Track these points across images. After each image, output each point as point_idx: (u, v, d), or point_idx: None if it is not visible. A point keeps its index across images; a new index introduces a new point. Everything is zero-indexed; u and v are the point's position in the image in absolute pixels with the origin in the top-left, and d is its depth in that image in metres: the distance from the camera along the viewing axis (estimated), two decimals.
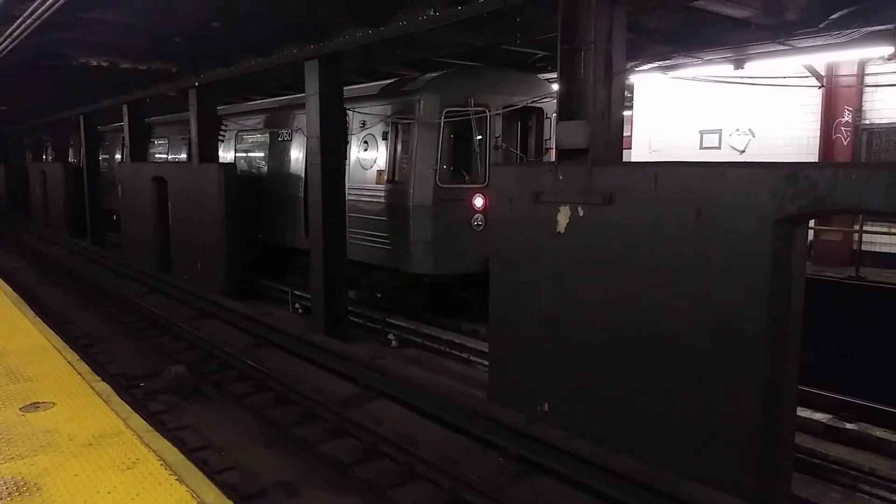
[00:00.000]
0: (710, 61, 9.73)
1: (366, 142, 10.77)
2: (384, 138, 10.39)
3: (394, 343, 9.96)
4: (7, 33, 9.01)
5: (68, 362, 5.70)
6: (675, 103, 13.54)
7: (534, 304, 6.50)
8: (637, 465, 5.44)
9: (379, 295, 10.91)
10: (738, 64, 9.69)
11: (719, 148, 12.95)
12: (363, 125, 10.79)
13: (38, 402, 4.69)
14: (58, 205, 23.17)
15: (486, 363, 7.77)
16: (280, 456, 6.47)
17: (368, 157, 10.71)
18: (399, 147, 10.17)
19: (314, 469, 6.18)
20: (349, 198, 10.40)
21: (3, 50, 9.65)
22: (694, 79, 10.41)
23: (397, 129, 10.18)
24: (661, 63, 9.83)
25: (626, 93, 8.11)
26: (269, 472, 6.08)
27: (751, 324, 4.88)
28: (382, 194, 10.37)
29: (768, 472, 4.95)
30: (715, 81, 10.30)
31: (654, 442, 5.52)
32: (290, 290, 12.38)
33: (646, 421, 5.60)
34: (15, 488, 3.48)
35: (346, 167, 10.48)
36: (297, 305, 12.15)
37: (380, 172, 10.46)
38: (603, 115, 6.15)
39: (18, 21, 8.33)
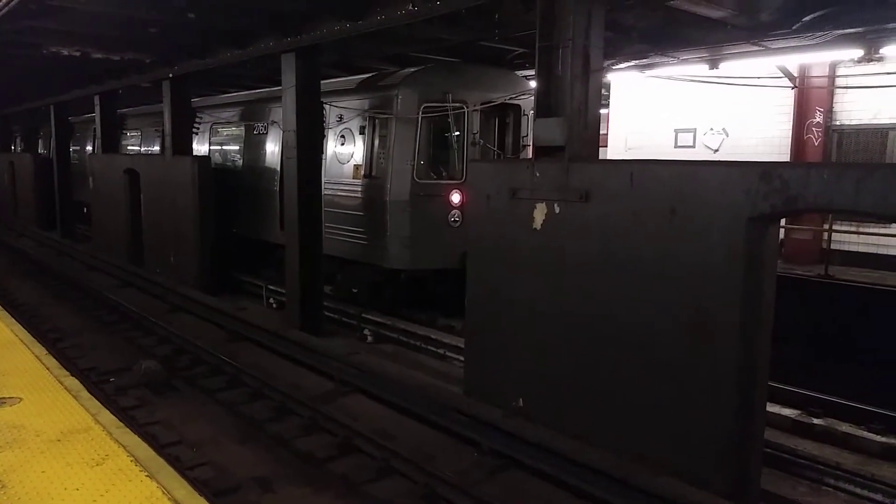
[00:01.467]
0: (685, 61, 9.84)
1: (343, 136, 10.70)
2: (361, 133, 10.33)
3: (370, 339, 9.92)
4: None
5: (36, 357, 5.58)
6: (651, 102, 13.66)
7: (510, 299, 6.52)
8: (613, 460, 5.50)
9: (355, 290, 10.86)
10: (714, 64, 9.82)
11: (694, 147, 13.09)
12: (340, 119, 10.72)
13: (3, 398, 4.59)
14: (27, 196, 22.70)
15: (462, 359, 7.79)
16: (254, 452, 6.41)
17: (345, 151, 10.64)
18: (376, 142, 10.12)
19: (289, 465, 6.14)
20: (326, 192, 10.33)
21: None
22: (669, 78, 10.51)
23: (375, 124, 10.13)
24: (638, 62, 9.92)
25: (602, 91, 8.15)
26: (243, 468, 6.02)
27: (724, 319, 4.96)
28: (359, 189, 10.32)
29: (739, 467, 5.03)
30: (690, 81, 10.42)
31: (630, 437, 5.59)
32: (264, 284, 12.27)
33: (621, 416, 5.66)
34: None
35: (323, 161, 10.40)
36: (271, 300, 12.05)
37: (357, 167, 10.41)
38: (580, 112, 6.18)
39: None
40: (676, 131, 13.37)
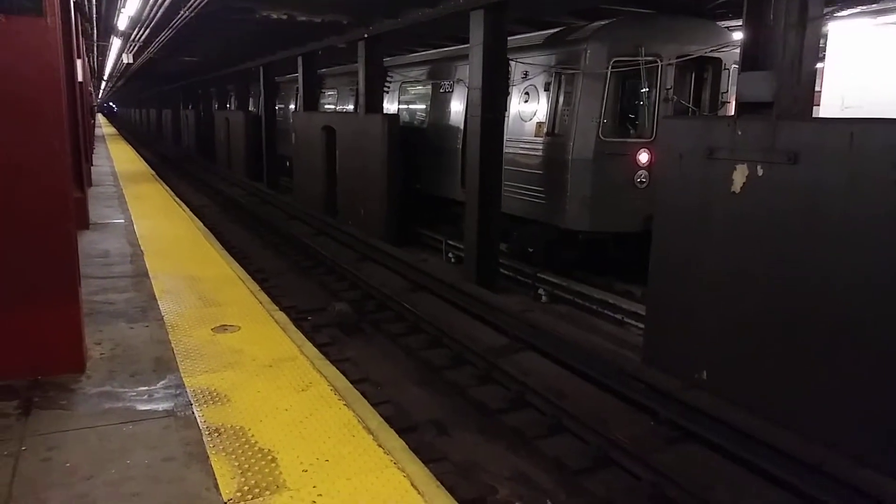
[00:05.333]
0: None
1: (527, 93, 10.62)
2: (546, 89, 10.18)
3: (544, 298, 9.94)
4: None
5: (251, 292, 6.28)
6: (877, 54, 11.96)
7: (700, 267, 6.17)
8: (802, 443, 5.08)
9: (531, 249, 10.89)
10: None
11: None
12: (525, 76, 10.63)
13: (226, 325, 5.23)
14: (239, 150, 25.29)
15: (641, 325, 7.55)
16: (431, 396, 6.76)
17: (528, 109, 10.57)
18: (561, 99, 9.92)
19: (463, 412, 6.39)
20: (507, 150, 10.34)
21: (200, 4, 10.53)
22: None
23: (560, 80, 9.93)
24: (865, 7, 8.71)
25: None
26: (421, 410, 6.37)
27: None
28: (541, 147, 10.23)
29: None
30: None
31: (826, 421, 5.12)
32: (444, 239, 12.71)
33: (818, 398, 5.19)
34: (210, 397, 3.93)
35: (506, 119, 10.42)
36: (450, 254, 12.46)
37: (539, 125, 10.31)
38: (793, 65, 5.60)
39: None
40: None
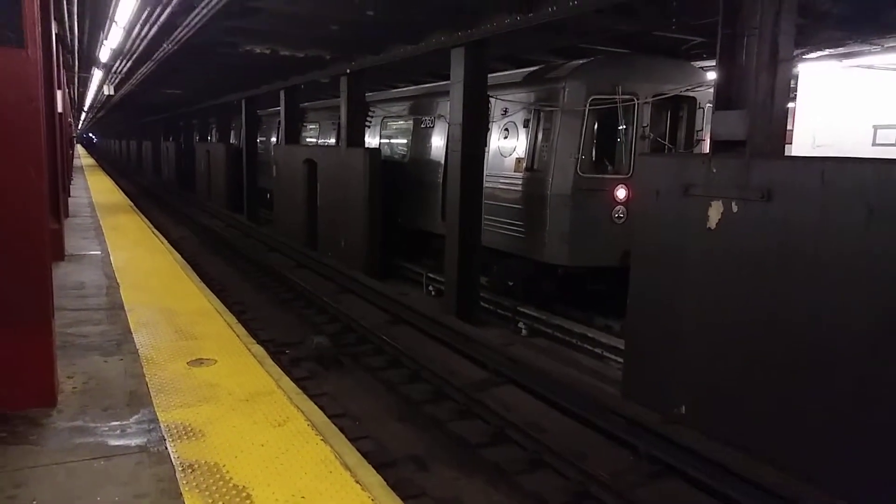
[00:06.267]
0: (892, 48, 8.80)
1: (506, 129, 10.78)
2: (525, 126, 10.34)
3: (524, 332, 9.95)
4: (186, 23, 9.89)
5: (228, 325, 6.20)
6: (846, 95, 12.35)
7: (677, 301, 6.23)
8: (782, 479, 5.10)
9: (511, 283, 10.93)
10: None
11: None
12: (504, 112, 10.80)
13: (202, 358, 5.15)
14: (219, 182, 25.21)
15: (621, 360, 7.58)
16: (411, 430, 6.69)
17: (508, 144, 10.71)
18: (540, 135, 10.08)
19: (442, 447, 6.33)
20: (486, 185, 10.45)
21: (183, 37, 10.60)
22: (871, 67, 9.46)
23: (539, 117, 10.10)
24: (832, 50, 9.02)
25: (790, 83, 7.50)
26: (400, 445, 6.30)
27: None
28: (520, 182, 10.35)
29: None
30: None
31: (804, 456, 5.14)
32: (424, 272, 12.71)
33: (796, 433, 5.22)
34: (184, 432, 3.85)
35: (486, 155, 10.54)
36: (430, 287, 12.46)
37: (518, 160, 10.44)
38: (765, 104, 5.76)
39: (197, 10, 9.11)
40: (875, 127, 12.00)
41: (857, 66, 9.58)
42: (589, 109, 9.41)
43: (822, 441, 5.06)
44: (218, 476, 3.37)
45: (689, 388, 6.14)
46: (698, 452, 5.61)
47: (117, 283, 7.74)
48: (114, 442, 3.74)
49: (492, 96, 10.68)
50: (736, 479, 5.24)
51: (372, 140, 15.31)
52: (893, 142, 11.72)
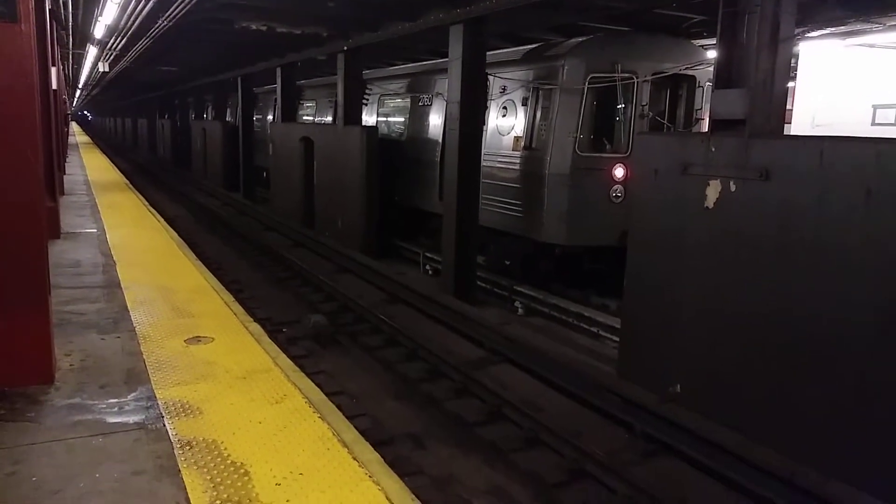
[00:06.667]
0: (893, 27, 8.73)
1: (505, 108, 10.71)
2: (523, 104, 10.28)
3: (520, 311, 9.97)
4: None
5: (225, 303, 6.21)
6: (846, 74, 12.26)
7: (674, 281, 6.24)
8: (777, 458, 5.14)
9: (508, 262, 10.93)
10: None
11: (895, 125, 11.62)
12: (503, 90, 10.72)
13: (199, 336, 5.16)
14: (215, 160, 25.09)
15: (617, 339, 7.61)
16: (408, 408, 6.72)
17: (506, 123, 10.65)
18: (538, 113, 10.02)
19: (439, 425, 6.37)
20: (484, 164, 10.40)
21: (179, 14, 10.46)
22: (872, 46, 9.38)
23: (538, 95, 10.03)
24: (834, 29, 8.95)
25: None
26: (397, 423, 6.34)
27: None
28: (518, 161, 10.30)
29: None
30: None
31: (798, 438, 5.18)
32: (421, 251, 12.71)
33: (791, 415, 5.26)
34: (182, 410, 3.87)
35: (483, 133, 10.48)
36: (427, 267, 12.46)
37: (517, 139, 10.39)
38: (765, 83, 5.72)
39: None
40: (875, 107, 11.93)
41: (859, 45, 9.49)
42: (588, 88, 9.35)
43: (815, 425, 5.10)
44: (216, 453, 3.39)
45: (684, 367, 6.17)
46: (693, 431, 5.66)
47: (114, 261, 7.72)
48: (112, 419, 3.76)
49: (490, 74, 10.59)
50: (730, 457, 5.29)
51: (369, 118, 15.21)
52: (892, 121, 11.66)
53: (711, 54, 9.45)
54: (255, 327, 5.51)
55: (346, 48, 13.39)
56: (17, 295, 3.99)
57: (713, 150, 5.81)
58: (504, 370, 7.58)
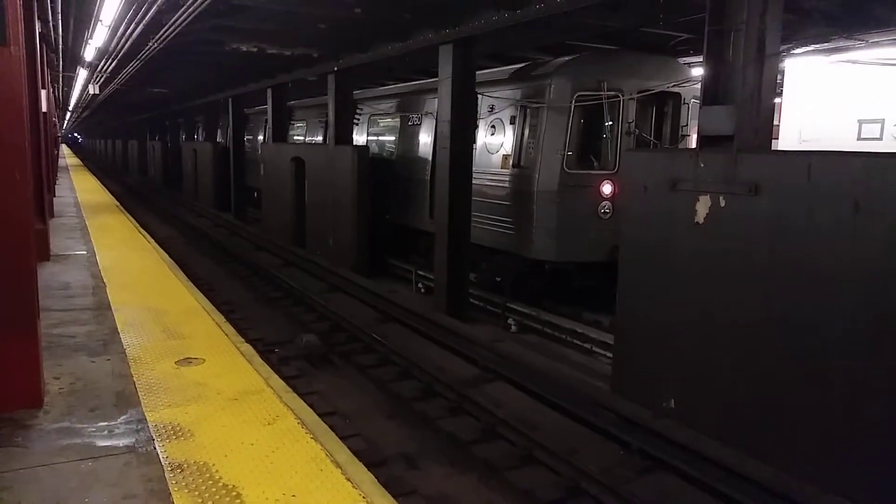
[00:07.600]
0: (876, 44, 8.87)
1: (493, 126, 10.79)
2: (512, 122, 10.36)
3: (513, 328, 9.96)
4: (172, 21, 9.80)
5: (216, 324, 6.16)
6: (831, 90, 12.43)
7: (665, 296, 6.26)
8: (772, 473, 5.13)
9: (499, 279, 10.94)
10: None
11: (881, 139, 11.76)
12: (491, 109, 10.81)
13: (190, 358, 5.12)
14: (206, 181, 25.04)
15: (610, 355, 7.60)
16: (401, 428, 6.67)
17: (495, 141, 10.72)
18: (526, 131, 10.10)
19: (433, 444, 6.32)
20: (474, 182, 10.43)
21: (169, 35, 10.51)
22: (857, 62, 9.53)
23: (526, 114, 10.11)
24: (819, 45, 9.09)
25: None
26: (391, 443, 6.29)
27: None
28: (507, 179, 10.36)
29: None
30: (883, 65, 9.39)
31: (793, 451, 5.18)
32: (413, 269, 12.70)
33: (785, 428, 5.26)
34: (172, 432, 3.82)
35: (473, 151, 10.53)
36: (419, 285, 12.45)
37: (505, 157, 10.45)
38: (752, 99, 5.80)
39: (184, 8, 9.03)
40: (860, 122, 12.09)
41: (843, 62, 9.64)
42: (575, 106, 9.44)
43: (809, 439, 5.10)
44: (207, 476, 3.35)
45: (678, 382, 6.17)
46: (688, 447, 5.64)
47: (104, 283, 7.67)
48: (101, 443, 3.71)
49: (479, 93, 10.68)
50: (724, 472, 5.28)
51: (360, 138, 15.27)
52: (878, 136, 11.82)
53: (696, 72, 9.58)
54: (247, 348, 5.47)
55: (336, 69, 13.47)
56: (5, 318, 3.95)
57: (702, 165, 5.87)
58: (498, 388, 7.54)
